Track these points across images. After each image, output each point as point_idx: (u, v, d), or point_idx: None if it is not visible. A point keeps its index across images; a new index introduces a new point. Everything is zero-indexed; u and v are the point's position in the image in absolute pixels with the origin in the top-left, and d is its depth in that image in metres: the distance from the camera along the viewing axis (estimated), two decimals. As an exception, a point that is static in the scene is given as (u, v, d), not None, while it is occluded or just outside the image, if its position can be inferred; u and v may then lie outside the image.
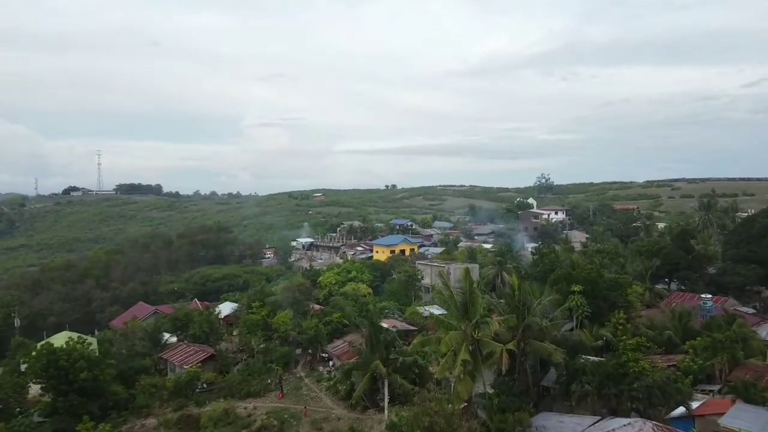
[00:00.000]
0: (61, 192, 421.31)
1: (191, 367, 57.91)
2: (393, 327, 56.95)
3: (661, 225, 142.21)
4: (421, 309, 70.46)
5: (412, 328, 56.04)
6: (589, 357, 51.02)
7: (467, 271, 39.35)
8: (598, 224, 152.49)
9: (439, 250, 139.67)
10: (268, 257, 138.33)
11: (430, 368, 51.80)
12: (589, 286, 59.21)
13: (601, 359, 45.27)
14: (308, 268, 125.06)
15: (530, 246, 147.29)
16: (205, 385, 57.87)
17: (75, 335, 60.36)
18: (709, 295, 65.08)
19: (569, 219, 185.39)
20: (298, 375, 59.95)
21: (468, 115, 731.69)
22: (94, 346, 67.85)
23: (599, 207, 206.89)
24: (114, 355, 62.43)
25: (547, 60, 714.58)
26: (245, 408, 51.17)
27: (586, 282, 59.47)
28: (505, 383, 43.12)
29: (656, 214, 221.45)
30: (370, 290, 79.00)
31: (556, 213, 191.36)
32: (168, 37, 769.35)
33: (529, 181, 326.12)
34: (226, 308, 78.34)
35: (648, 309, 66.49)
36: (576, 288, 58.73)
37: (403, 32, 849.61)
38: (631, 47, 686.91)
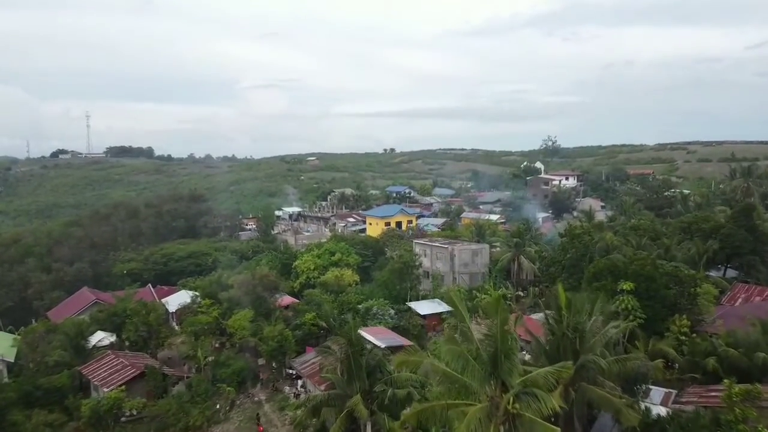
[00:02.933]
0: (49, 155, 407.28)
1: (113, 389, 43.49)
2: (381, 338, 42.19)
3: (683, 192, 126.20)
4: (417, 306, 55.87)
5: (406, 343, 41.64)
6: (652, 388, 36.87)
7: (498, 300, 23.73)
8: (627, 194, 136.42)
9: (439, 221, 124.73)
10: (250, 229, 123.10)
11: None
12: (644, 283, 44.45)
13: (687, 413, 30.48)
14: (292, 242, 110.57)
15: (541, 216, 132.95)
16: (134, 413, 43.81)
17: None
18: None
19: (582, 185, 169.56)
20: (256, 398, 45.65)
21: (468, 77, 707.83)
22: (8, 349, 53.95)
23: (612, 172, 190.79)
24: (22, 368, 48.30)
25: (548, 20, 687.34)
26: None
27: (639, 277, 44.66)
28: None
29: (674, 179, 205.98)
30: (356, 278, 64.15)
31: (567, 179, 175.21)
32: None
33: (533, 145, 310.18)
34: (178, 299, 63.61)
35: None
36: (626, 286, 43.98)
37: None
38: (633, 7, 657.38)
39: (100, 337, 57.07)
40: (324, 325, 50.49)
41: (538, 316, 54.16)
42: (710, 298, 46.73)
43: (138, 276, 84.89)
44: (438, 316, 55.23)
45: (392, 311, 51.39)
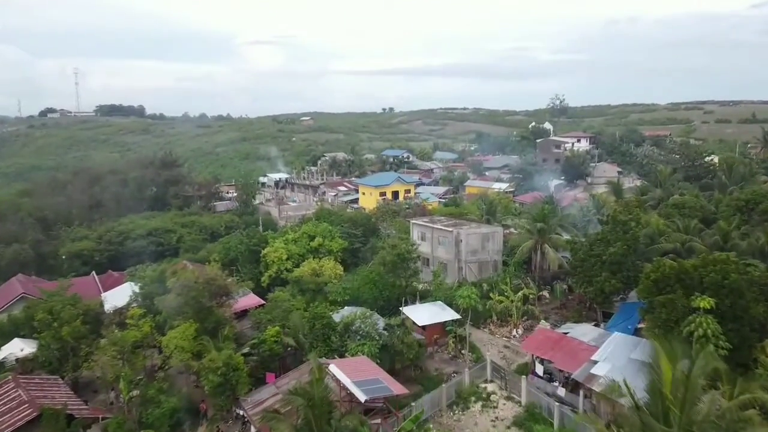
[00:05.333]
0: (38, 114, 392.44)
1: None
2: (361, 385, 29.80)
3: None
4: (414, 312, 43.49)
5: (398, 391, 29.22)
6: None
7: None
8: (652, 159, 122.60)
9: (441, 189, 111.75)
10: (230, 197, 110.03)
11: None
12: (727, 297, 31.99)
13: None
14: (276, 215, 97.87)
15: (554, 183, 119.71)
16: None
17: None
18: None
19: (596, 148, 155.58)
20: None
21: (468, 33, 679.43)
22: None
23: (626, 133, 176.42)
24: None
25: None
26: None
27: (721, 289, 32.19)
28: None
29: (692, 141, 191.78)
30: (340, 270, 51.54)
31: (579, 141, 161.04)
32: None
33: (537, 104, 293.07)
34: (121, 295, 51.08)
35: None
36: (703, 303, 31.51)
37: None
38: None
39: (14, 349, 45.22)
40: (291, 344, 38.28)
41: (568, 328, 41.95)
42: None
43: (89, 258, 72.58)
44: (441, 326, 43.03)
45: (381, 324, 39.09)
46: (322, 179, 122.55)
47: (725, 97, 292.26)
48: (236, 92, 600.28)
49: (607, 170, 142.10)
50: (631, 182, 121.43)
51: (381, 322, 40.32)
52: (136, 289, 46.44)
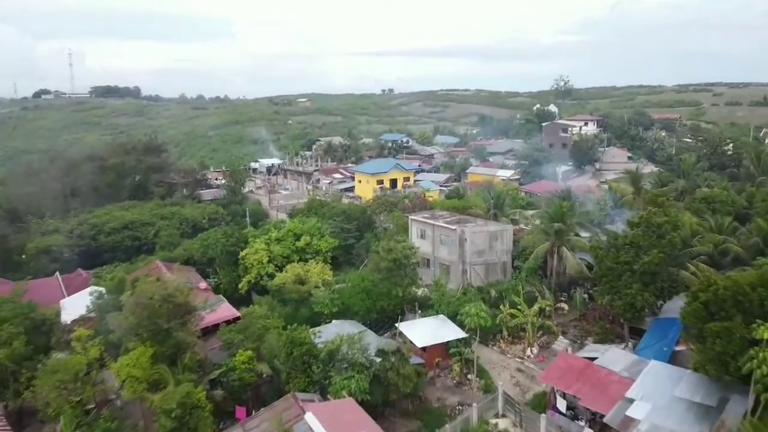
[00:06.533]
0: (32, 95, 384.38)
1: None
2: None
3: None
4: (412, 330, 37.31)
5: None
6: None
7: None
8: (665, 143, 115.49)
9: (442, 176, 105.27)
10: (218, 185, 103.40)
11: None
12: (800, 326, 25.84)
13: None
14: (266, 204, 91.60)
15: (562, 169, 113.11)
16: None
17: None
18: None
19: (604, 132, 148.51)
20: None
21: (468, 14, 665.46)
22: None
23: (635, 116, 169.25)
24: None
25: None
26: None
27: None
28: None
29: (703, 125, 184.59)
30: (329, 275, 45.28)
31: (586, 124, 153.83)
32: None
33: (540, 86, 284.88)
34: (83, 301, 44.82)
35: None
36: (766, 333, 25.36)
37: None
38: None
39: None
40: (266, 372, 32.25)
41: (592, 351, 35.90)
42: None
43: (58, 255, 66.28)
44: (443, 346, 36.94)
45: (373, 344, 32.95)
46: (317, 165, 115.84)
47: (734, 79, 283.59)
48: (234, 74, 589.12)
49: (616, 155, 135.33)
50: (642, 168, 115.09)
51: (373, 342, 34.23)
52: (92, 299, 40.21)
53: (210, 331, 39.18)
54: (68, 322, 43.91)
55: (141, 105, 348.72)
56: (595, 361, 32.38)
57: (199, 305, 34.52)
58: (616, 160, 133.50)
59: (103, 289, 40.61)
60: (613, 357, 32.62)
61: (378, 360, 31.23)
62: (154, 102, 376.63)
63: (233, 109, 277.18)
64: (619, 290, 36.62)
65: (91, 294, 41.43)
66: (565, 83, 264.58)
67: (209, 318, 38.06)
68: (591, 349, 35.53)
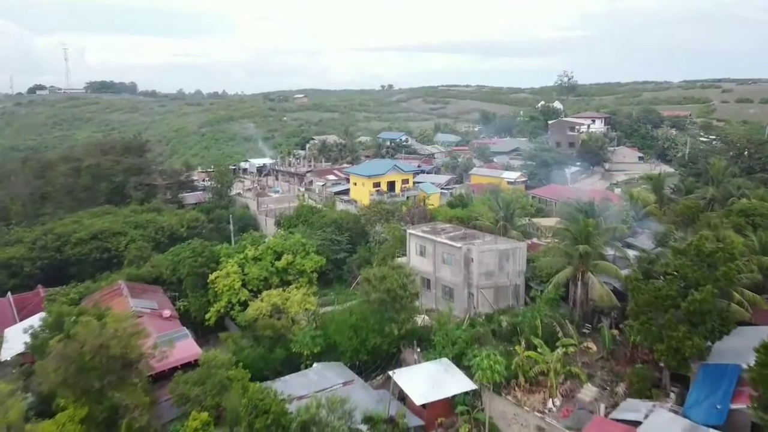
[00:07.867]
0: (26, 91, 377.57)
1: None
2: None
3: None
4: (408, 381, 30.65)
5: None
6: None
7: None
8: (690, 145, 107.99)
9: (443, 178, 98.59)
10: (203, 187, 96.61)
11: None
12: None
13: None
14: (254, 208, 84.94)
15: (570, 171, 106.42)
16: None
17: None
18: None
19: (613, 130, 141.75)
20: None
21: (467, 10, 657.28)
22: None
23: (643, 113, 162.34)
24: None
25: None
26: None
27: None
28: None
29: (714, 123, 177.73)
30: (312, 304, 38.59)
31: (593, 122, 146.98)
32: None
33: (542, 82, 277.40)
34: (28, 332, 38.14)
35: None
36: None
37: None
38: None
39: None
40: (225, 441, 25.71)
41: (630, 410, 29.28)
42: None
43: (18, 269, 59.70)
44: (448, 401, 30.33)
45: (360, 404, 26.41)
46: (310, 166, 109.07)
47: (742, 75, 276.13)
48: (233, 69, 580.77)
49: (627, 155, 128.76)
50: (653, 169, 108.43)
51: (361, 400, 27.66)
52: (27, 338, 33.68)
53: (167, 375, 32.68)
54: (8, 359, 37.73)
55: (135, 101, 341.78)
56: (639, 429, 25.78)
57: (147, 351, 27.89)
58: (627, 160, 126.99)
59: (39, 324, 33.91)
60: (661, 424, 26.04)
61: (365, 430, 24.64)
62: (150, 98, 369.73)
63: (227, 105, 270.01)
64: (661, 330, 30.04)
65: (25, 330, 34.76)
66: (569, 79, 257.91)
67: (171, 358, 31.56)
68: (628, 406, 28.92)
